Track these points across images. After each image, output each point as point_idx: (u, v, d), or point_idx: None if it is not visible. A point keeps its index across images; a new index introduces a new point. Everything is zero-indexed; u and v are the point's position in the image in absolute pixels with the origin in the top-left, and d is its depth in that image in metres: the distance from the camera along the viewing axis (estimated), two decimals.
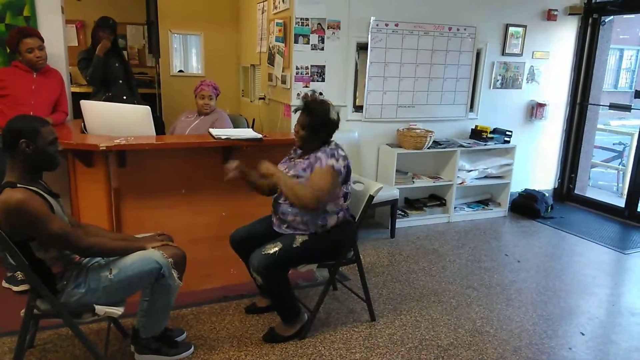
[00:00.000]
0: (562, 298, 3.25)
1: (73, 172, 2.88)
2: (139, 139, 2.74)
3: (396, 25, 4.23)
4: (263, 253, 2.39)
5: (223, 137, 2.85)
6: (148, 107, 2.91)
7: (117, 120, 2.92)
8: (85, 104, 2.95)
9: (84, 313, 2.06)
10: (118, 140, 2.60)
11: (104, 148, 2.53)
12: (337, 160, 2.43)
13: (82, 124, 3.06)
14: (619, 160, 6.56)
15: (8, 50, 3.21)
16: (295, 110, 2.53)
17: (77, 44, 6.77)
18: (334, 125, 2.50)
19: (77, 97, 3.31)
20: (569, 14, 4.97)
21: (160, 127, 4.63)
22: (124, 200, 2.78)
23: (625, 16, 6.10)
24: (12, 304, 2.18)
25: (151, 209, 2.86)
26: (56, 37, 3.34)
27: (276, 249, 2.40)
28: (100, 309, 2.04)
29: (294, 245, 2.45)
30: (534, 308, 3.09)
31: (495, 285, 3.37)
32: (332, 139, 2.55)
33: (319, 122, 2.46)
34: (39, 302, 1.99)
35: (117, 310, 2.09)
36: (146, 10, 6.77)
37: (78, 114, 3.14)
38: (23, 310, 2.00)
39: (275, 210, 2.59)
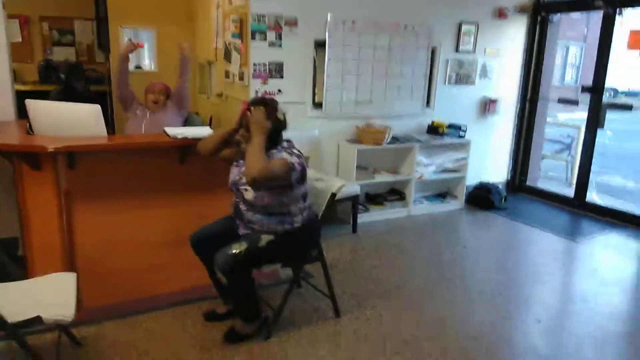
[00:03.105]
0: (519, 287, 3.37)
1: (20, 176, 2.72)
2: (89, 140, 2.62)
3: (353, 22, 4.24)
4: (228, 253, 2.35)
5: (179, 136, 2.76)
6: (98, 105, 2.78)
7: (65, 120, 2.78)
8: (30, 103, 2.78)
9: (30, 323, 1.92)
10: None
11: (52, 150, 2.40)
12: (291, 155, 2.39)
13: (28, 124, 2.90)
14: (568, 152, 6.85)
15: None
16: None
17: (20, 40, 6.43)
18: (280, 126, 2.45)
19: (23, 96, 3.11)
20: (519, 12, 5.14)
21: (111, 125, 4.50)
22: (76, 204, 2.65)
23: (572, 14, 6.35)
24: None
25: (104, 212, 2.75)
26: None
27: (242, 248, 2.36)
28: (47, 318, 1.91)
29: (260, 245, 2.41)
30: (492, 297, 3.19)
31: (454, 278, 3.45)
32: (284, 139, 2.50)
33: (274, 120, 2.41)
34: None
35: (66, 318, 1.94)
36: (94, 4, 6.50)
37: (23, 114, 2.97)
38: None
39: (240, 216, 2.54)
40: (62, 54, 6.82)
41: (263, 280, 3.20)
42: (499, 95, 5.27)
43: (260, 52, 3.94)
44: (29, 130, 2.87)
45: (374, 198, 4.77)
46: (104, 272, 2.81)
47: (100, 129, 2.79)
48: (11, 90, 3.28)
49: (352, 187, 4.10)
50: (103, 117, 2.80)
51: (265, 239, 2.44)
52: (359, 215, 4.30)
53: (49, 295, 2.09)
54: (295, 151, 2.44)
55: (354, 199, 4.15)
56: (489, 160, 5.46)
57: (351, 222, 4.24)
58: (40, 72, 6.51)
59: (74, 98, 3.67)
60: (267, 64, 4.00)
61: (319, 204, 2.69)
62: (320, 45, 4.20)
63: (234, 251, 2.35)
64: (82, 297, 2.59)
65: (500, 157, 5.59)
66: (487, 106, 5.22)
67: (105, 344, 2.49)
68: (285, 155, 2.38)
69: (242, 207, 2.51)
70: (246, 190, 2.43)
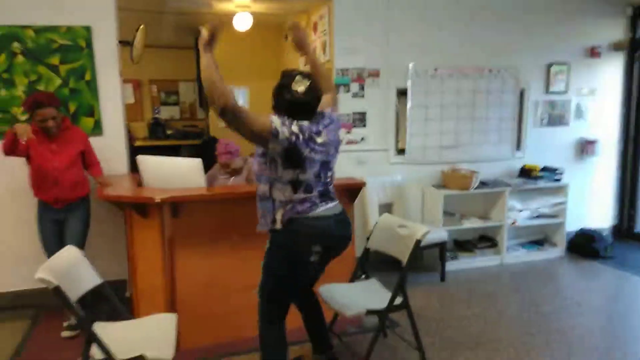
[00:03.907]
0: (629, 344, 3.04)
1: (130, 224, 3.03)
2: (191, 191, 2.87)
3: (435, 70, 4.29)
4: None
5: None
6: (199, 159, 3.05)
7: (170, 173, 3.08)
8: (140, 159, 3.13)
9: None
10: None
11: (159, 200, 2.66)
12: (283, 123, 2.07)
13: (139, 177, 3.24)
14: None
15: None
16: None
17: (133, 101, 7.24)
18: (298, 100, 2.12)
19: (138, 152, 3.49)
20: (614, 50, 4.88)
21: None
22: (177, 249, 2.88)
23: None
24: (71, 354, 2.27)
25: (203, 256, 2.95)
26: (114, 96, 3.60)
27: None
28: (149, 356, 2.05)
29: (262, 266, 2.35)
30: (598, 355, 2.90)
31: (555, 332, 3.20)
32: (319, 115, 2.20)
33: (275, 89, 2.22)
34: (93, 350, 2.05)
35: (166, 357, 2.07)
36: (196, 67, 7.20)
37: (135, 167, 3.34)
38: None
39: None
40: (168, 112, 7.56)
41: (348, 327, 3.20)
42: (598, 135, 4.96)
43: (344, 103, 4.10)
44: (140, 182, 3.22)
45: (463, 245, 4.61)
46: (202, 314, 2.98)
47: (200, 180, 3.05)
48: (125, 147, 3.71)
49: (439, 234, 4.02)
50: (203, 170, 3.06)
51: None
52: (447, 263, 4.17)
53: (152, 335, 2.26)
54: (294, 127, 2.09)
55: (441, 246, 4.05)
56: (591, 204, 5.09)
57: (439, 270, 4.13)
58: (150, 129, 7.25)
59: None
60: (351, 114, 4.15)
61: (403, 251, 2.67)
62: (402, 93, 4.28)
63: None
64: (181, 338, 2.77)
65: (604, 201, 5.18)
66: (585, 148, 4.92)
67: None
68: (276, 120, 2.09)
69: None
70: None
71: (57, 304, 2.00)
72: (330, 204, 2.28)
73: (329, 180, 2.29)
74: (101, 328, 2.17)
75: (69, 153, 3.10)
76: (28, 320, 3.36)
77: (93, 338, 2.03)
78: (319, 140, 2.16)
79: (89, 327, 2.03)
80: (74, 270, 2.22)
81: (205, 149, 5.25)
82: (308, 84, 2.15)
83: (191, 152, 5.38)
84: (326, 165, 2.25)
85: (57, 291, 1.95)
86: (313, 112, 2.20)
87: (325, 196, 2.26)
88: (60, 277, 1.99)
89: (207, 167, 3.99)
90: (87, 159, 3.25)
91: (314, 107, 2.20)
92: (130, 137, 4.93)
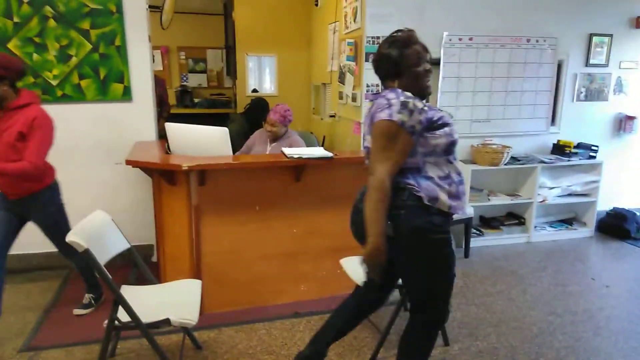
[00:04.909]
0: None
1: (158, 190, 3.08)
2: (217, 159, 2.88)
3: (470, 39, 4.14)
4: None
5: (295, 156, 2.91)
6: (226, 128, 3.05)
7: (197, 141, 3.09)
8: (168, 126, 3.15)
9: (160, 324, 2.13)
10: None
11: (186, 168, 2.68)
12: (392, 110, 1.82)
13: (167, 144, 3.27)
14: None
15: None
16: None
17: (161, 68, 7.26)
18: (387, 59, 1.96)
19: (169, 120, 3.50)
20: None
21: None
22: (203, 217, 2.92)
23: None
24: (99, 314, 2.34)
25: (227, 224, 2.98)
26: (143, 63, 3.60)
27: None
28: (175, 320, 2.10)
29: None
30: (625, 338, 2.84)
31: (581, 312, 3.14)
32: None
33: (375, 55, 2.06)
34: (120, 314, 2.12)
35: (191, 321, 2.12)
36: (225, 35, 7.15)
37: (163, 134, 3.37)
38: (106, 322, 2.14)
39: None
40: (195, 80, 7.57)
41: None
42: (637, 111, 4.74)
43: (373, 74, 3.99)
44: (167, 150, 3.24)
45: (490, 222, 4.54)
46: (225, 281, 3.03)
47: (227, 149, 3.05)
48: (154, 113, 3.73)
49: (465, 210, 3.95)
50: (229, 138, 3.06)
51: None
52: (472, 240, 4.11)
53: (177, 300, 2.31)
54: (402, 101, 1.84)
55: (466, 222, 3.99)
56: (625, 184, 4.91)
57: (463, 246, 4.08)
58: (178, 97, 7.28)
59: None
60: (380, 84, 4.04)
61: None
62: (434, 63, 4.14)
63: None
64: (204, 303, 2.84)
65: (638, 181, 4.99)
66: (623, 124, 4.72)
67: (223, 349, 2.67)
68: (382, 114, 1.85)
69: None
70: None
71: (87, 267, 2.06)
72: None
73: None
74: (128, 291, 2.24)
75: (7, 139, 2.53)
76: (59, 280, 3.49)
77: (120, 301, 2.09)
78: None
79: (116, 290, 2.08)
80: (103, 233, 2.27)
81: (251, 112, 5.14)
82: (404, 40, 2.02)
83: (237, 118, 5.26)
84: None
85: (87, 254, 2.00)
86: None
87: None
88: (89, 240, 2.04)
89: (253, 129, 3.99)
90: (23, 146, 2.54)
91: None
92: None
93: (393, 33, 2.04)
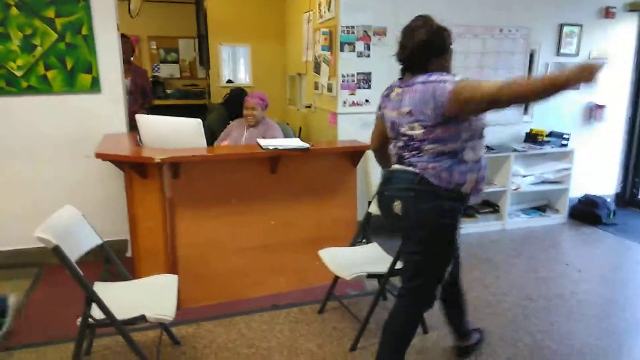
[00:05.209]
0: (628, 311, 3.05)
1: (130, 184, 3.00)
2: (191, 151, 2.82)
3: None
4: None
5: (271, 147, 2.88)
6: (199, 120, 2.98)
7: (169, 133, 3.01)
8: (139, 118, 3.06)
9: (135, 320, 2.08)
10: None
11: (159, 161, 2.61)
12: (452, 78, 1.90)
13: (138, 136, 3.18)
14: None
15: None
16: None
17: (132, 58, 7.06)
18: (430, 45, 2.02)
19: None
20: (629, 11, 4.70)
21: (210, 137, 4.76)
22: (178, 210, 2.86)
23: None
24: (72, 312, 2.28)
25: (203, 217, 2.93)
26: (112, 52, 3.49)
27: None
28: (150, 316, 2.06)
29: None
30: (597, 321, 2.92)
31: (554, 297, 3.21)
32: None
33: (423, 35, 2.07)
34: (94, 311, 2.05)
35: (167, 317, 2.07)
36: (197, 24, 7.00)
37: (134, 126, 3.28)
38: (79, 319, 2.07)
39: None
40: (167, 71, 7.40)
41: (349, 290, 3.21)
42: (606, 100, 4.85)
43: (348, 63, 3.98)
44: (139, 142, 3.16)
45: (465, 210, 4.57)
46: (201, 275, 2.99)
47: (201, 141, 2.99)
48: (124, 105, 3.63)
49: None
50: (203, 130, 2.99)
51: None
52: None
53: (153, 295, 2.26)
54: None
55: None
56: (596, 171, 5.03)
57: None
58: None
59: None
60: (356, 74, 4.03)
61: None
62: None
63: None
64: (181, 298, 2.78)
65: (609, 168, 5.12)
66: (593, 112, 4.82)
67: (202, 344, 2.63)
68: (448, 85, 1.90)
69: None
70: None
71: (58, 263, 1.99)
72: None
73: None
74: (101, 288, 2.17)
75: None
76: (30, 278, 3.38)
77: (93, 298, 2.03)
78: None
79: (88, 287, 2.02)
80: (74, 229, 2.19)
81: (230, 102, 5.08)
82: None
83: (217, 108, 5.18)
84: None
85: (57, 250, 1.93)
86: None
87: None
88: (59, 236, 1.97)
89: (232, 119, 4.04)
90: None
91: None
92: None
93: (417, 17, 2.13)
